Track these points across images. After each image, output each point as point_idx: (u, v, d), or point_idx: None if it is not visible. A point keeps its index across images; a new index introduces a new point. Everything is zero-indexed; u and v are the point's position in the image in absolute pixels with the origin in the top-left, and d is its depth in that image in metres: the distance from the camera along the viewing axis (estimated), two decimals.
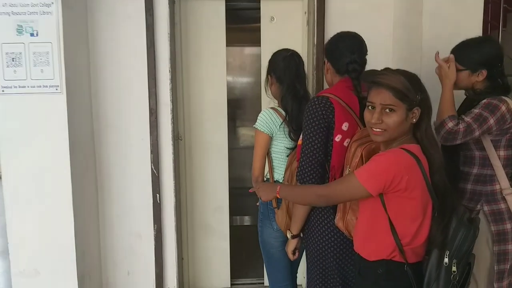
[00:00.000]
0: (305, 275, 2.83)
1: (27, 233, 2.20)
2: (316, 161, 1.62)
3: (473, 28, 2.27)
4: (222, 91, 2.84)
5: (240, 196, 4.08)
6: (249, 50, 4.27)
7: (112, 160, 2.50)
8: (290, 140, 1.93)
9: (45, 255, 2.22)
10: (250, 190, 1.90)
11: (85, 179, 2.37)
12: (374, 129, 1.40)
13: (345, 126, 1.62)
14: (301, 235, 1.79)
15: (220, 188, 2.90)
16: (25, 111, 2.12)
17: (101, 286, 2.58)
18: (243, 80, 4.35)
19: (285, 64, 1.94)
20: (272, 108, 1.96)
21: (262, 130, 1.92)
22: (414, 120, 1.39)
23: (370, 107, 1.42)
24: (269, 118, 1.92)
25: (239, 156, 4.28)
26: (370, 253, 1.43)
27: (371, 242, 1.43)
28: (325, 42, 2.46)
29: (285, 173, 1.91)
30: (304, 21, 2.72)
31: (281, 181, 1.96)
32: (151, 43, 2.40)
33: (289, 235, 1.79)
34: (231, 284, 3.03)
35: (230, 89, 4.22)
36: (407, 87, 1.36)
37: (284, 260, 2.00)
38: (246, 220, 4.41)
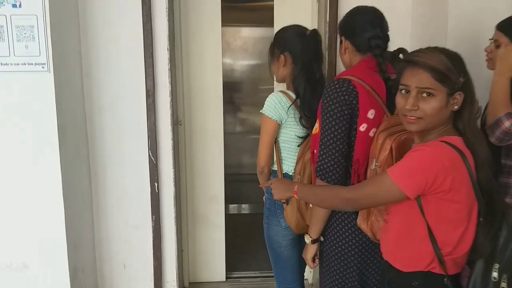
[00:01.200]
0: (311, 269, 2.71)
1: (14, 225, 2.01)
2: (340, 153, 1.43)
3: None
4: (218, 73, 2.63)
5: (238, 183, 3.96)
6: (251, 31, 4.03)
7: (106, 146, 2.30)
8: (301, 127, 1.74)
9: (33, 248, 2.04)
10: (262, 185, 1.72)
11: (77, 166, 2.18)
12: (408, 117, 1.19)
13: (371, 114, 1.43)
14: (321, 239, 1.59)
15: (223, 177, 2.72)
16: (8, 92, 1.90)
17: (96, 280, 2.41)
18: (250, 62, 4.12)
19: (304, 43, 1.73)
20: (281, 91, 1.75)
21: (269, 116, 1.71)
22: (456, 107, 1.18)
23: (403, 91, 1.21)
24: (277, 103, 1.71)
25: (245, 141, 4.13)
26: (404, 263, 1.24)
27: (405, 251, 1.24)
28: (339, 20, 2.29)
29: (296, 165, 1.72)
30: None
31: (290, 173, 1.77)
32: (147, 18, 2.18)
33: (307, 240, 1.58)
34: (234, 277, 2.89)
35: (234, 71, 4.04)
36: (449, 67, 1.15)
37: (293, 259, 1.84)
38: (244, 209, 4.23)
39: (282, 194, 1.49)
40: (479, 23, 1.78)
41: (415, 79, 1.17)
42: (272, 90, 1.92)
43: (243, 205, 4.20)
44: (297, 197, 1.43)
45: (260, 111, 1.74)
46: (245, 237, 3.43)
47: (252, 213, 4.13)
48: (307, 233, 1.58)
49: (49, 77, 1.90)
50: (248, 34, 4.05)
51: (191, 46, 2.55)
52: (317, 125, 1.51)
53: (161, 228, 2.38)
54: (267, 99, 1.73)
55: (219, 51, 2.62)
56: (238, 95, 4.16)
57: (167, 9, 2.20)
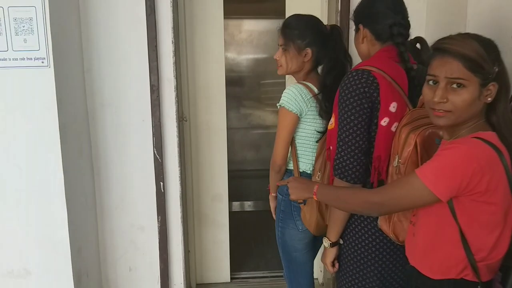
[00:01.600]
0: (322, 268, 2.63)
1: (15, 229, 1.93)
2: (360, 149, 1.33)
3: None
4: (221, 67, 2.53)
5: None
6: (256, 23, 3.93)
7: (109, 144, 2.21)
8: (321, 121, 1.63)
9: (36, 253, 1.95)
10: (278, 183, 1.62)
11: (79, 166, 2.09)
12: (437, 110, 1.09)
13: (393, 107, 1.33)
14: (341, 242, 1.48)
15: (226, 175, 2.63)
16: (7, 88, 1.81)
17: (101, 284, 2.33)
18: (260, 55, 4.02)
19: (329, 38, 1.64)
20: (300, 83, 1.65)
21: (289, 108, 1.59)
22: (489, 99, 1.07)
23: (431, 82, 1.10)
24: (298, 95, 1.59)
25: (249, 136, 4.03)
26: (434, 269, 1.15)
27: (435, 257, 1.14)
28: (351, 9, 2.19)
29: (316, 162, 1.61)
30: None
31: (308, 172, 1.66)
32: (151, 9, 2.08)
33: (326, 243, 1.48)
34: (241, 278, 2.80)
35: (240, 65, 3.93)
36: (482, 55, 1.04)
37: (308, 264, 1.75)
38: (248, 206, 4.13)
39: (300, 194, 1.38)
40: (502, 10, 1.67)
41: (444, 68, 1.07)
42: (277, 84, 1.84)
43: (247, 203, 4.10)
44: (316, 198, 1.33)
45: (278, 104, 1.63)
46: (251, 236, 3.35)
47: (256, 210, 4.05)
48: (325, 236, 1.48)
49: (50, 73, 1.80)
50: (254, 26, 3.95)
51: (195, 39, 2.45)
52: (332, 120, 1.41)
53: (168, 229, 2.29)
54: (285, 91, 1.62)
55: (221, 44, 2.51)
56: (242, 89, 4.06)
57: (172, 1, 2.10)
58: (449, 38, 1.11)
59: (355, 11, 1.51)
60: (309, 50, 1.63)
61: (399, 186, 1.14)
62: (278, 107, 1.63)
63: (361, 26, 1.46)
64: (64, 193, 1.92)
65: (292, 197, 1.42)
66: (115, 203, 2.27)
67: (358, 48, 1.51)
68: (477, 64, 1.05)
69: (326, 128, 1.57)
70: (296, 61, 1.66)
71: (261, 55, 3.95)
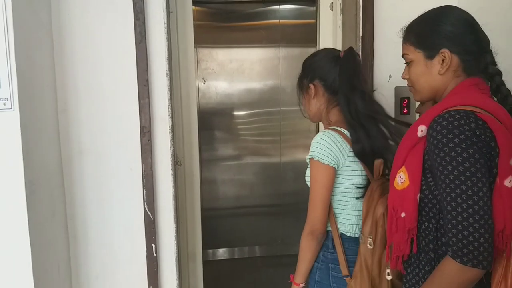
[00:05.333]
0: None
1: None
2: (490, 217, 0.94)
3: None
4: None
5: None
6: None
7: (88, 200, 1.80)
8: (360, 175, 1.36)
9: None
10: None
11: (51, 229, 1.67)
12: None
13: None
14: None
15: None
16: None
17: None
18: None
19: (340, 66, 1.40)
20: (332, 129, 1.37)
21: (324, 161, 1.31)
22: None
23: None
24: (332, 144, 1.32)
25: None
26: None
27: None
28: (377, 32, 1.90)
29: (363, 225, 1.29)
30: (337, 7, 2.11)
31: (348, 234, 1.37)
32: (141, 36, 1.72)
33: None
34: None
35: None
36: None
37: None
38: (221, 254, 3.67)
39: None
40: None
41: None
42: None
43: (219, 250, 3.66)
44: None
45: (307, 157, 1.36)
46: None
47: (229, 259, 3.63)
48: None
49: (14, 117, 1.40)
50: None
51: (189, 69, 2.11)
52: (404, 177, 1.07)
53: None
54: (314, 140, 1.35)
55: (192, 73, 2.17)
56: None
57: (166, 26, 1.75)
58: None
59: (421, 30, 1.14)
60: (312, 86, 1.44)
61: None
62: (308, 160, 1.36)
63: (446, 52, 1.08)
64: (31, 266, 1.49)
65: None
66: (95, 272, 1.84)
67: (428, 80, 1.14)
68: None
69: (367, 182, 1.36)
70: (308, 103, 1.47)
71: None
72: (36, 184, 1.51)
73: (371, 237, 1.26)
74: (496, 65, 1.10)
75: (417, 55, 1.13)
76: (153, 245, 1.82)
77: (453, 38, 1.08)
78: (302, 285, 1.40)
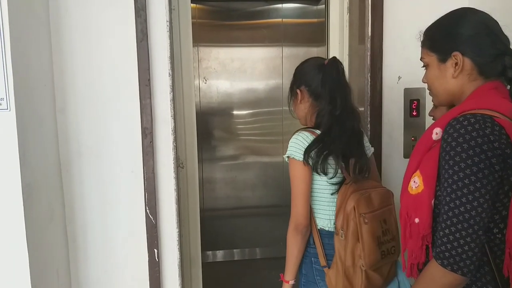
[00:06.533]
0: None
1: None
2: (483, 228, 0.94)
3: None
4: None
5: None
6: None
7: (88, 203, 1.74)
8: (336, 172, 1.43)
9: None
10: None
11: (49, 232, 1.61)
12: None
13: None
14: None
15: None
16: None
17: None
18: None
19: (323, 73, 1.47)
20: (305, 129, 1.47)
21: (299, 158, 1.39)
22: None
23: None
24: (306, 143, 1.41)
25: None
26: None
27: None
28: (384, 32, 1.84)
29: (336, 218, 1.38)
30: (344, 4, 2.05)
31: (327, 229, 1.44)
32: (143, 34, 1.66)
33: None
34: None
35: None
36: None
37: None
38: (220, 256, 3.62)
39: None
40: None
41: None
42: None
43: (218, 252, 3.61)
44: None
45: (284, 155, 1.45)
46: None
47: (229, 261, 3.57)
48: None
49: (10, 117, 1.34)
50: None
51: (190, 69, 2.06)
52: (419, 181, 1.04)
53: None
54: (290, 140, 1.44)
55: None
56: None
57: (169, 23, 1.69)
58: None
59: (435, 34, 1.13)
60: (298, 91, 1.51)
61: None
62: (286, 159, 1.45)
63: (458, 55, 1.06)
64: (29, 271, 1.43)
65: None
66: (95, 277, 1.78)
67: (443, 83, 1.12)
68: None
69: (342, 179, 1.42)
70: (295, 106, 1.55)
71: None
72: (34, 187, 1.45)
73: (343, 230, 1.34)
74: None
75: (431, 59, 1.13)
76: (155, 250, 1.77)
77: (466, 41, 1.05)
78: (292, 282, 1.46)
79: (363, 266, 1.32)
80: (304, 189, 1.40)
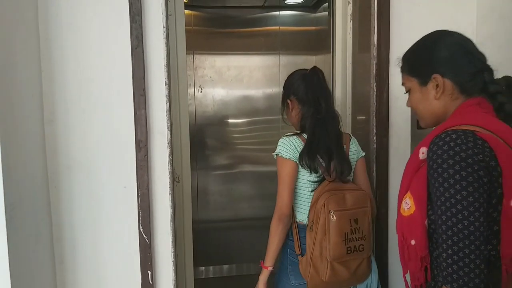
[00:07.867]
0: None
1: None
2: (484, 243, 0.93)
3: None
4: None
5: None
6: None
7: (78, 221, 1.62)
8: (317, 172, 1.57)
9: None
10: None
11: (34, 255, 1.48)
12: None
13: None
14: None
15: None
16: None
17: None
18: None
19: (305, 82, 1.65)
20: (293, 133, 1.64)
21: (286, 156, 1.57)
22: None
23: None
24: (291, 143, 1.59)
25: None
26: None
27: None
28: (391, 41, 1.77)
29: (309, 211, 1.55)
30: (347, 12, 1.97)
31: (305, 222, 1.59)
32: (138, 40, 1.56)
33: None
34: None
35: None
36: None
37: None
38: (211, 272, 3.47)
39: None
40: None
41: None
42: None
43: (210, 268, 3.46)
44: None
45: (273, 153, 1.61)
46: None
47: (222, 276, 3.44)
48: None
49: None
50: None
51: (185, 78, 1.96)
52: (410, 202, 1.04)
53: None
54: (279, 141, 1.61)
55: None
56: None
57: (165, 29, 1.59)
58: None
59: (413, 58, 1.17)
60: (289, 102, 1.70)
61: None
62: (275, 156, 1.61)
63: (437, 77, 1.09)
64: None
65: None
66: None
67: (426, 106, 1.15)
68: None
69: (321, 177, 1.57)
70: (288, 115, 1.74)
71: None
72: (18, 206, 1.33)
73: (313, 223, 1.50)
74: (497, 83, 1.07)
75: (413, 83, 1.16)
76: (149, 272, 1.65)
77: (444, 63, 1.09)
78: (270, 268, 1.60)
79: (328, 257, 1.47)
80: (289, 182, 1.56)
